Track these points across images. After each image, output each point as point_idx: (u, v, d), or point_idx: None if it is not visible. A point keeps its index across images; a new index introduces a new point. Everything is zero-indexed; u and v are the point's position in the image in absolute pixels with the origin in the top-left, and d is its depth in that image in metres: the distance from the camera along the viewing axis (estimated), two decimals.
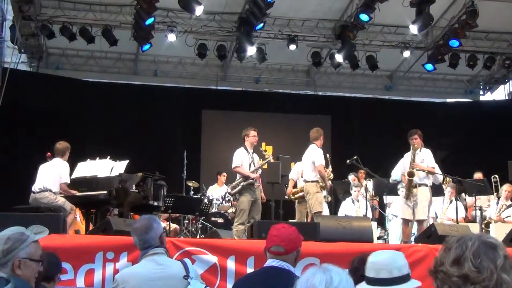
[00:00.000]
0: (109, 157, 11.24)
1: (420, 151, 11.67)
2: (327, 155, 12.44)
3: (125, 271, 5.01)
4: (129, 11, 15.82)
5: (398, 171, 12.09)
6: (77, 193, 10.58)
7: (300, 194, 12.47)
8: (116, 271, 7.36)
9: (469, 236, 2.27)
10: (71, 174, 10.82)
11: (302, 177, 12.65)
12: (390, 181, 13.15)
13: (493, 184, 14.07)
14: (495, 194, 14.03)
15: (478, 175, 14.51)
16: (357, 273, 4.37)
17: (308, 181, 11.83)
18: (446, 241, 2.31)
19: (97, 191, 10.58)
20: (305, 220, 12.12)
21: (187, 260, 4.87)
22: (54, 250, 5.73)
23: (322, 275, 2.57)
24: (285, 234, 4.42)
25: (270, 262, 4.40)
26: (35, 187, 10.35)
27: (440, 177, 12.09)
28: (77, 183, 10.70)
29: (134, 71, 19.43)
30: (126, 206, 10.74)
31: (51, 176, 10.37)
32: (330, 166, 12.51)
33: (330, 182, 12.38)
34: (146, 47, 16.51)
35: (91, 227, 10.67)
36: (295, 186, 13.07)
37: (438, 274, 2.25)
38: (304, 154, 12.24)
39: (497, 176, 14.25)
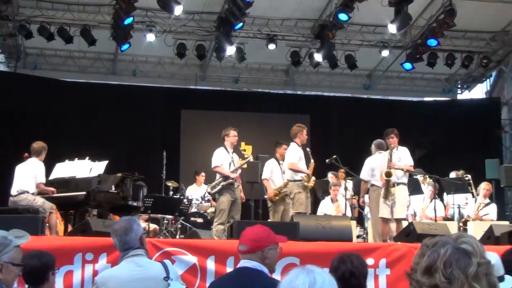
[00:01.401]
0: (87, 157, 11.18)
1: (396, 149, 11.72)
2: (308, 149, 12.35)
3: (105, 273, 5.00)
4: (108, 11, 15.78)
5: (364, 172, 12.10)
6: (55, 193, 10.49)
7: (281, 195, 12.34)
8: (95, 273, 7.34)
9: (444, 240, 2.23)
10: (49, 175, 10.76)
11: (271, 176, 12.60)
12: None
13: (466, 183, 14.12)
14: (474, 192, 14.10)
15: (457, 173, 14.57)
16: (337, 272, 4.41)
17: (291, 181, 11.81)
18: (423, 244, 2.29)
19: (76, 192, 10.52)
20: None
21: (167, 261, 4.85)
22: None
23: (306, 276, 2.57)
24: (250, 234, 4.48)
25: (243, 262, 4.44)
26: (13, 190, 10.25)
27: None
28: (55, 184, 10.62)
29: (112, 71, 19.39)
30: (105, 207, 10.71)
31: (27, 177, 10.28)
32: (312, 160, 12.34)
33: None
34: (125, 47, 16.48)
35: (69, 228, 10.60)
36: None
37: (412, 281, 2.24)
38: None
39: (469, 175, 14.31)
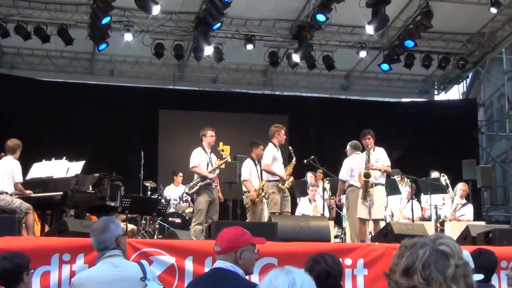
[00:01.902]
0: (65, 157, 11.12)
1: (373, 150, 11.78)
2: (290, 147, 12.37)
3: (82, 274, 5.00)
4: (85, 10, 15.70)
5: (344, 173, 12.14)
6: (33, 194, 10.41)
7: (261, 195, 12.35)
8: (72, 273, 7.30)
9: (422, 242, 2.24)
10: (26, 174, 10.67)
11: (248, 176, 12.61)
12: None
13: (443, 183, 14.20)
14: (451, 193, 14.18)
15: (435, 174, 14.67)
16: (312, 274, 4.42)
17: (267, 181, 11.85)
18: (401, 245, 2.31)
19: (53, 192, 10.45)
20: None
21: (144, 262, 4.84)
22: None
23: (285, 277, 2.59)
24: (224, 234, 4.52)
25: (217, 263, 4.48)
26: None
27: None
28: (32, 184, 10.54)
29: (90, 71, 19.29)
30: (82, 207, 10.66)
31: (4, 177, 10.14)
32: (294, 159, 12.26)
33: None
34: (103, 46, 16.39)
35: (46, 228, 10.54)
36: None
37: (390, 282, 2.26)
38: None
39: (445, 175, 14.42)
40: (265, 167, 11.80)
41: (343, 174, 12.07)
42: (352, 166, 11.90)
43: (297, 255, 7.77)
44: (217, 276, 4.39)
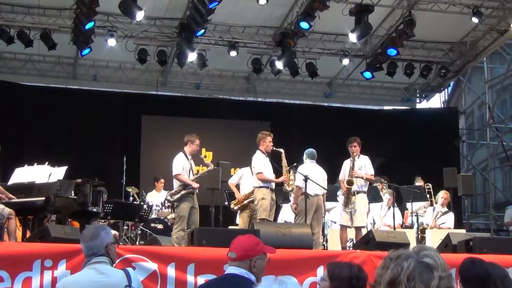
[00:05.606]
0: (47, 163, 11.06)
1: (358, 157, 11.82)
2: (282, 152, 12.35)
3: (66, 279, 5.03)
4: (69, 15, 15.66)
5: (299, 180, 12.08)
6: (15, 199, 10.34)
7: (245, 202, 12.40)
8: (54, 279, 7.27)
9: (407, 254, 2.27)
10: (8, 179, 10.62)
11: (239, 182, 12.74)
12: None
13: (427, 192, 14.28)
14: (432, 200, 14.27)
15: (420, 182, 14.74)
16: (359, 281, 4.34)
17: (256, 187, 11.84)
18: (386, 257, 2.33)
19: (35, 197, 10.39)
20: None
21: (130, 270, 4.84)
22: None
23: (278, 287, 2.61)
24: (239, 242, 4.68)
25: (230, 269, 4.62)
26: None
27: None
28: (14, 189, 10.45)
29: (73, 76, 19.23)
30: (64, 212, 10.61)
31: None
32: (283, 151, 12.24)
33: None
34: (86, 51, 16.36)
35: (28, 234, 10.48)
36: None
37: None
38: None
39: (430, 184, 14.52)
40: (261, 177, 11.74)
41: (298, 182, 11.84)
42: (306, 174, 11.73)
43: (279, 262, 7.79)
44: (232, 281, 4.54)
